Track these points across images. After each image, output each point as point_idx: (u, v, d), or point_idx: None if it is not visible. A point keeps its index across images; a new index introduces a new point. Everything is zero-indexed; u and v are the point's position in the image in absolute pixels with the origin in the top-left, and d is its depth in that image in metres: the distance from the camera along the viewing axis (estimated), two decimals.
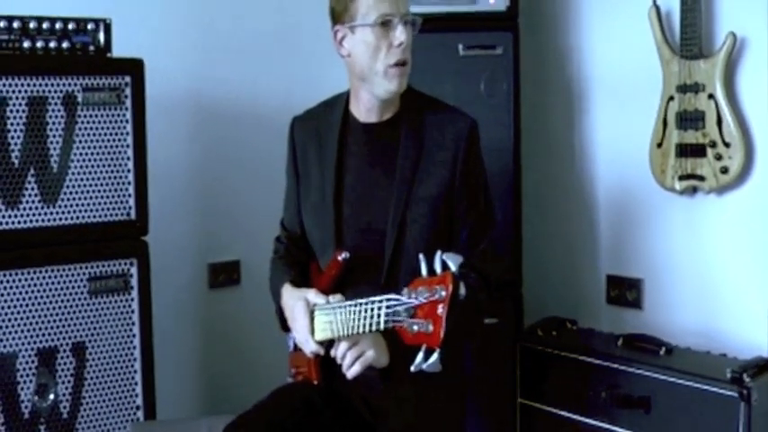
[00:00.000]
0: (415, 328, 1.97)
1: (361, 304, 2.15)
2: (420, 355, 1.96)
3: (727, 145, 3.06)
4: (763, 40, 3.04)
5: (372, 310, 2.10)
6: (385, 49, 2.31)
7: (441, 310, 1.93)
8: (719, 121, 3.07)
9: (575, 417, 3.08)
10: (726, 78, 3.05)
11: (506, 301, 3.32)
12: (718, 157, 3.08)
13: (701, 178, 3.13)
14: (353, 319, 2.17)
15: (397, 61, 2.31)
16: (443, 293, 1.93)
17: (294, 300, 2.38)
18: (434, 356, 1.94)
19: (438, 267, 1.96)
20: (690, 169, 3.16)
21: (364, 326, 2.13)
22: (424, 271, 1.99)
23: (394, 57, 2.31)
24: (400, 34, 2.29)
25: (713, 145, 3.09)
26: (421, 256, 2.00)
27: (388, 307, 2.05)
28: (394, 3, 2.29)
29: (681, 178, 3.18)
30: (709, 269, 3.25)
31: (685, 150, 3.15)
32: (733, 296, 3.19)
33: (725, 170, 3.08)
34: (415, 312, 1.98)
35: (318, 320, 2.31)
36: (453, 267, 1.94)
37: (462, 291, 1.97)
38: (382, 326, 2.08)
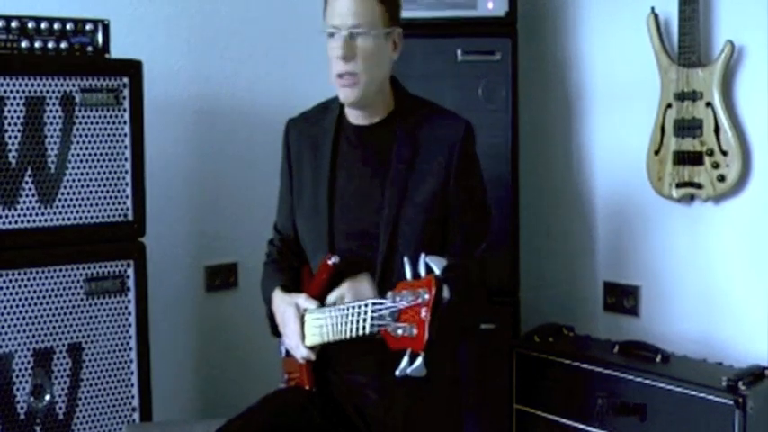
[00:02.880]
0: (400, 332, 1.95)
1: (348, 308, 2.15)
2: (405, 360, 1.94)
3: (724, 153, 3.07)
4: (761, 49, 3.05)
5: (359, 314, 2.10)
6: (331, 58, 2.33)
7: (424, 313, 1.91)
8: (717, 130, 3.07)
9: (570, 423, 3.08)
10: (723, 87, 3.06)
11: (503, 307, 3.33)
12: (716, 166, 3.09)
13: (699, 186, 3.14)
14: (342, 323, 2.17)
15: (337, 72, 2.32)
16: (426, 297, 1.91)
17: (285, 305, 2.38)
18: (419, 360, 1.92)
19: (422, 270, 1.94)
20: (687, 177, 3.16)
21: (351, 330, 2.13)
22: (408, 274, 1.98)
23: (335, 68, 2.32)
24: (335, 47, 2.30)
25: (710, 153, 3.09)
26: (406, 259, 1.99)
27: (373, 311, 2.05)
28: (341, 17, 2.29)
29: (678, 186, 3.18)
30: (707, 277, 3.25)
31: (683, 158, 3.16)
32: (730, 304, 3.19)
33: (722, 178, 3.08)
34: (399, 316, 1.96)
35: (309, 325, 2.31)
36: (437, 270, 1.92)
37: (446, 294, 1.95)
38: (368, 330, 2.07)
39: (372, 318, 2.05)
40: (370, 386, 2.35)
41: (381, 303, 2.02)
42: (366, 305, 2.07)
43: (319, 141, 2.47)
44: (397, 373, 1.95)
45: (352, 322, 2.12)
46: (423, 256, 1.95)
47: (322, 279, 2.35)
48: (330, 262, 2.33)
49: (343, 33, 2.29)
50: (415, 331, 1.92)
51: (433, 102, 2.50)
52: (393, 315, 1.98)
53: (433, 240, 2.34)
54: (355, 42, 2.30)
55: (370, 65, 2.32)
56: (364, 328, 2.08)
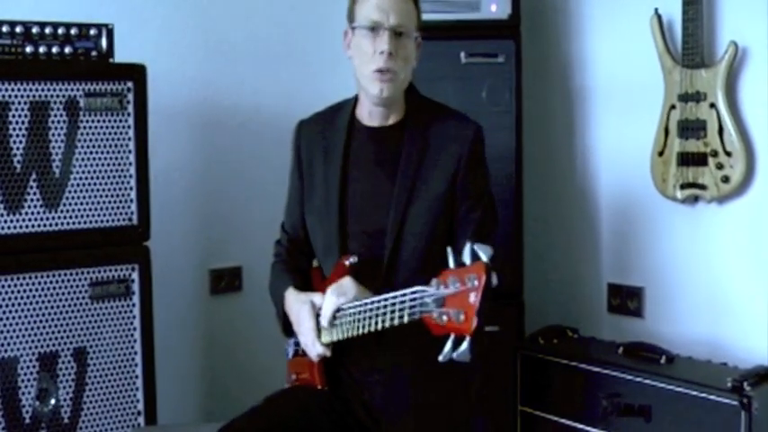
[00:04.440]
0: (445, 318, 1.93)
1: (379, 301, 2.15)
2: (448, 345, 1.92)
3: (728, 154, 3.07)
4: (765, 50, 3.04)
5: (394, 304, 2.09)
6: (371, 53, 2.34)
7: (473, 298, 1.88)
8: (721, 131, 3.07)
9: (575, 425, 3.08)
10: (727, 87, 3.06)
11: (508, 309, 3.33)
12: (720, 167, 3.09)
13: (703, 187, 3.14)
14: (369, 317, 2.17)
15: (378, 68, 2.33)
16: (476, 282, 1.88)
17: (299, 304, 2.39)
18: (465, 345, 1.89)
19: (467, 258, 1.93)
20: (691, 178, 3.16)
21: (383, 321, 2.12)
22: (451, 263, 1.96)
23: (376, 63, 2.33)
24: (383, 42, 2.32)
25: (714, 154, 3.09)
26: (449, 249, 1.98)
27: (413, 299, 2.03)
28: (384, 12, 2.32)
29: (682, 187, 3.18)
30: (711, 278, 3.25)
31: (687, 159, 3.16)
32: (734, 305, 3.19)
33: (726, 179, 3.08)
34: (444, 302, 1.94)
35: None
36: (485, 258, 1.91)
37: (495, 280, 1.93)
38: (406, 318, 2.05)
39: (412, 306, 2.03)
40: (379, 384, 2.35)
41: (424, 291, 2.00)
42: (404, 294, 2.06)
43: (331, 142, 2.47)
44: (441, 358, 1.92)
45: (384, 313, 2.12)
46: (469, 243, 1.94)
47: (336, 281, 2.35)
48: (347, 262, 2.33)
49: (388, 29, 2.32)
50: (462, 317, 1.90)
51: (444, 104, 2.52)
52: (438, 302, 1.96)
53: (438, 239, 2.34)
54: (400, 41, 2.34)
55: (406, 65, 2.37)
56: (401, 317, 2.07)
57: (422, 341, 2.01)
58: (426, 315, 1.99)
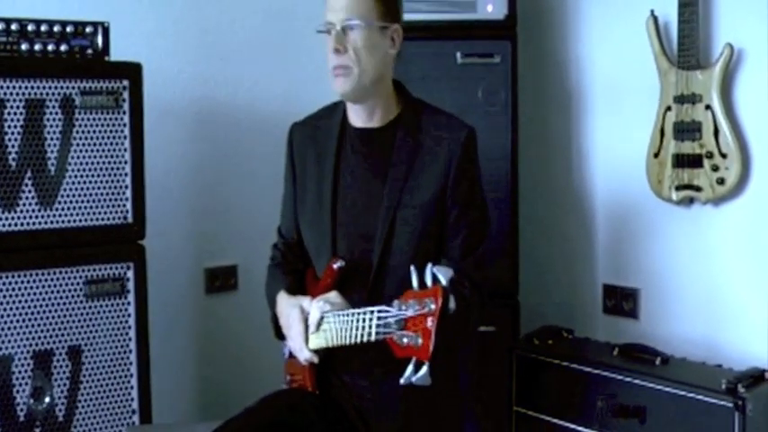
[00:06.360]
0: (405, 340, 1.97)
1: (353, 314, 2.15)
2: (410, 368, 1.96)
3: (723, 156, 3.07)
4: (761, 52, 3.05)
5: (364, 320, 2.11)
6: (328, 54, 2.37)
7: (430, 323, 1.93)
8: (716, 132, 3.08)
9: (570, 426, 3.08)
10: (723, 89, 3.06)
11: (503, 310, 3.33)
12: (715, 168, 3.09)
13: (698, 189, 3.14)
14: (346, 329, 2.17)
15: (331, 65, 2.36)
16: (433, 307, 1.93)
17: (289, 308, 2.38)
18: (424, 369, 1.94)
19: (429, 280, 1.96)
20: (686, 180, 3.16)
21: (356, 336, 2.14)
22: (415, 283, 1.99)
23: (331, 61, 2.36)
24: (330, 41, 2.35)
25: (710, 156, 3.10)
26: (412, 268, 2.00)
27: (379, 318, 2.06)
28: (335, 12, 2.35)
29: (677, 189, 3.19)
30: (706, 280, 3.25)
31: (682, 161, 3.16)
32: (730, 307, 3.19)
33: (721, 181, 3.08)
34: (405, 325, 1.98)
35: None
36: (444, 281, 1.94)
37: (452, 305, 1.97)
38: (373, 337, 2.08)
39: (378, 325, 2.06)
40: (369, 389, 2.35)
41: (387, 311, 2.03)
42: (372, 312, 2.08)
43: (322, 145, 2.47)
44: (402, 381, 1.97)
45: (357, 328, 2.13)
46: (429, 265, 1.97)
47: (327, 283, 2.35)
48: (335, 266, 2.33)
49: (338, 28, 2.33)
50: (420, 341, 1.94)
51: (437, 107, 2.50)
52: (399, 323, 2.00)
53: (428, 243, 2.35)
54: (348, 36, 2.34)
55: (361, 57, 2.35)
56: (369, 335, 2.09)
57: None
58: (389, 336, 2.02)
